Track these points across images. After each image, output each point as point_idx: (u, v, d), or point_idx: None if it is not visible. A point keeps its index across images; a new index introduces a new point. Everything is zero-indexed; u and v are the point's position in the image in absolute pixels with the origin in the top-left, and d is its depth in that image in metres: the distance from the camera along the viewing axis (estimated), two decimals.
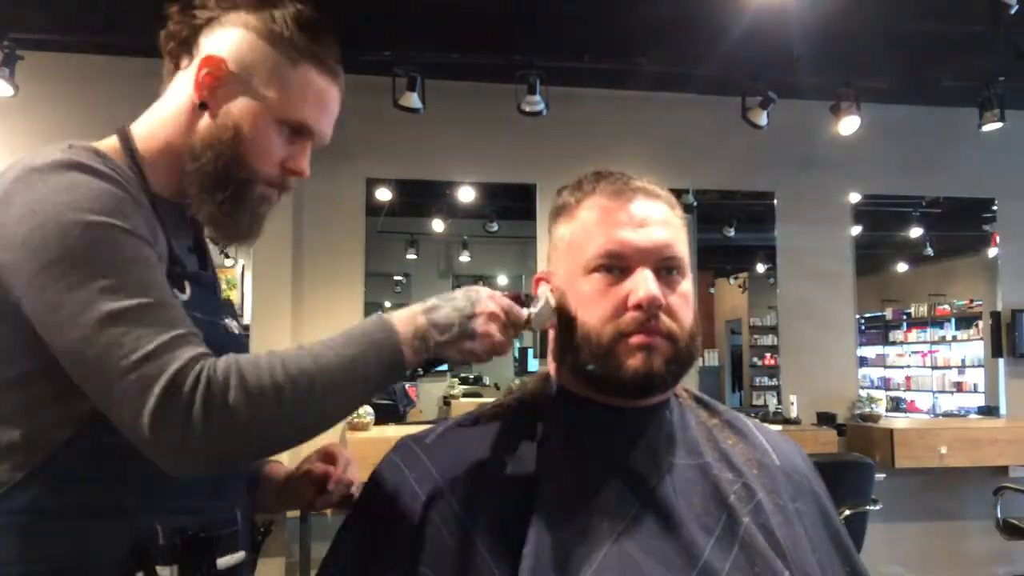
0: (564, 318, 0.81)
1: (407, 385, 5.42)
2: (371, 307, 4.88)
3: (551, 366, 0.86)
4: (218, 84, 0.84)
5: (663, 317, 0.77)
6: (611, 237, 0.78)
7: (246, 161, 0.85)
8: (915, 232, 5.23)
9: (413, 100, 3.70)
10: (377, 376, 0.74)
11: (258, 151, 0.85)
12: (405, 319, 0.77)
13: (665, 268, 0.78)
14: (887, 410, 5.23)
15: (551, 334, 0.85)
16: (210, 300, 0.94)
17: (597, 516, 0.72)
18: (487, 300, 0.76)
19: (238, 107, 0.84)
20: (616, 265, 0.78)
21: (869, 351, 6.13)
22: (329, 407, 0.74)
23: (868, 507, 3.24)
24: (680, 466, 0.78)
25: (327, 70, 0.92)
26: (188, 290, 0.88)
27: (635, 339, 0.76)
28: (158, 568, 0.73)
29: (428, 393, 5.41)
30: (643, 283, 0.76)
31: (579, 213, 0.82)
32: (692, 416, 0.85)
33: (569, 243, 0.81)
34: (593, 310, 0.77)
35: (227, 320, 0.97)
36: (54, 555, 0.71)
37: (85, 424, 0.72)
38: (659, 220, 0.79)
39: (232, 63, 0.83)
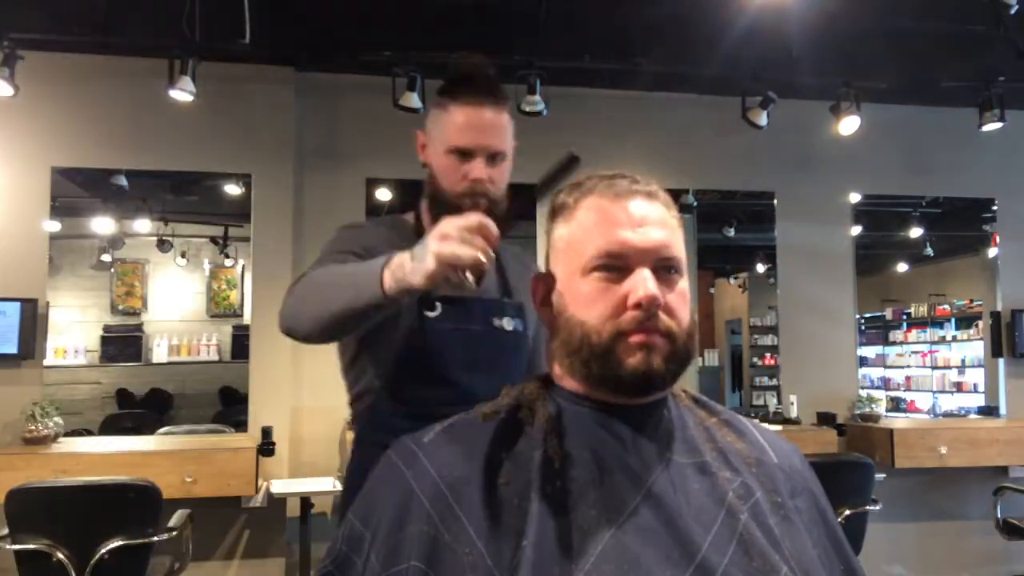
0: (562, 317, 0.81)
1: None
2: None
3: (552, 366, 0.87)
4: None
5: (662, 316, 0.77)
6: (610, 237, 0.78)
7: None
8: (915, 232, 5.23)
9: (413, 100, 3.70)
10: (359, 287, 1.05)
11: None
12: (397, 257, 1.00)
13: (663, 267, 0.79)
14: (887, 410, 5.24)
15: (551, 334, 0.85)
16: (466, 311, 1.32)
17: (596, 510, 0.73)
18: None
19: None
20: (615, 265, 0.78)
21: (869, 351, 6.13)
22: (320, 301, 1.16)
23: (868, 507, 3.24)
24: (678, 463, 0.79)
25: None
26: (438, 308, 1.30)
27: (635, 338, 0.77)
28: None
29: None
30: (642, 283, 0.76)
31: (577, 214, 0.82)
32: (690, 416, 0.85)
33: (568, 243, 0.82)
34: (592, 310, 0.78)
35: (497, 320, 1.35)
36: None
37: None
38: (657, 220, 0.80)
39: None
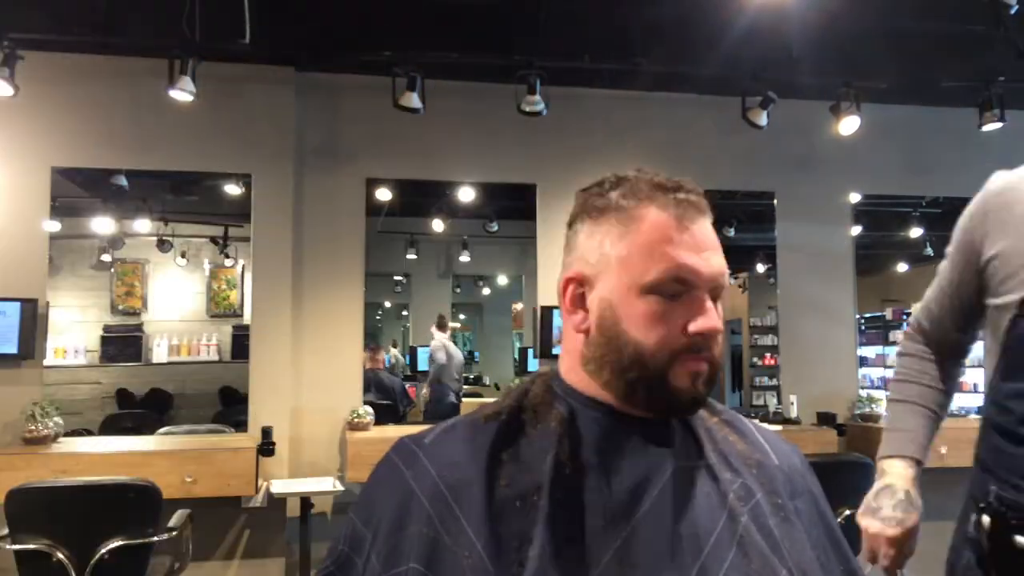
0: (610, 331, 0.79)
1: (407, 385, 5.43)
2: (371, 307, 4.88)
3: (569, 370, 0.84)
4: None
5: (712, 344, 0.78)
6: (678, 262, 0.77)
7: None
8: (915, 232, 5.23)
9: (413, 100, 3.70)
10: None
11: None
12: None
13: (715, 295, 0.79)
14: (887, 410, 5.23)
15: (580, 339, 0.82)
16: None
17: (602, 518, 0.73)
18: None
19: None
20: (677, 290, 0.77)
21: (869, 351, 6.12)
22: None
23: None
24: (683, 467, 0.79)
25: None
26: None
27: (689, 365, 0.77)
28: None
29: None
30: (708, 313, 0.77)
31: (637, 225, 0.79)
32: (693, 417, 0.85)
33: (627, 256, 0.79)
34: (649, 331, 0.77)
35: None
36: None
37: None
38: (715, 244, 0.80)
39: None
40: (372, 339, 5.30)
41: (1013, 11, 3.03)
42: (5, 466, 3.26)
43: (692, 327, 0.76)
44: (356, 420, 3.99)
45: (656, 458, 0.78)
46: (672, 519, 0.74)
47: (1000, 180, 1.31)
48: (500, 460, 0.77)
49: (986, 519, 1.20)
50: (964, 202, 1.42)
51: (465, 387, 5.78)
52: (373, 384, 4.80)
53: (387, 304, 6.41)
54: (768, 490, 0.80)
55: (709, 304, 0.77)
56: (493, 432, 0.80)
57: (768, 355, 5.13)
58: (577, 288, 0.82)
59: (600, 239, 0.81)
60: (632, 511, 0.74)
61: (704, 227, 0.80)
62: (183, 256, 5.35)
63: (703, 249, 0.78)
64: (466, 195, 4.61)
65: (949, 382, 1.47)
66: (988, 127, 4.03)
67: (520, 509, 0.73)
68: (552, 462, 0.76)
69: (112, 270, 5.26)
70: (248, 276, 4.15)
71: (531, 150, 4.33)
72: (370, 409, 4.08)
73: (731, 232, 5.17)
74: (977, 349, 1.46)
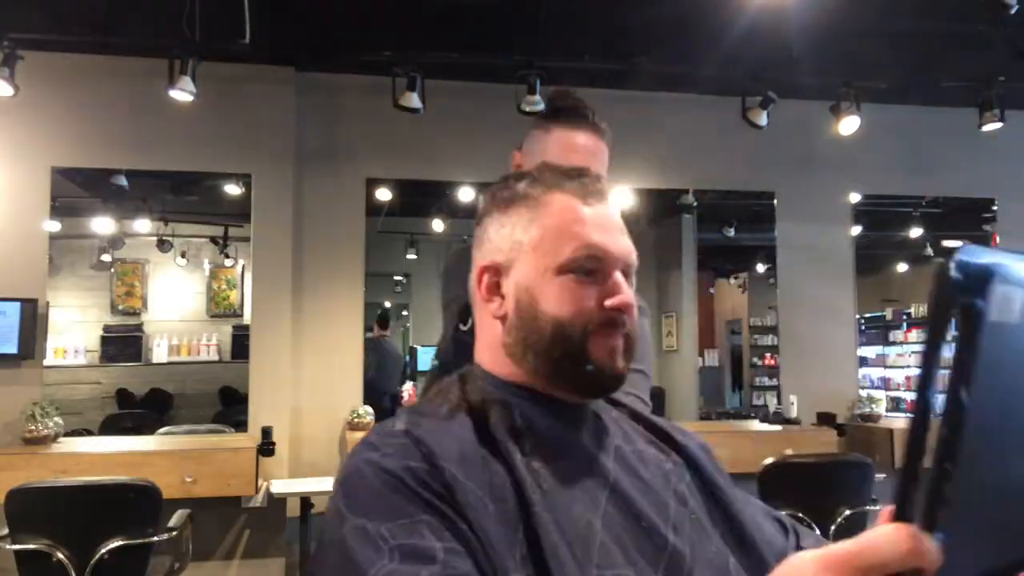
0: (528, 314, 0.82)
1: (407, 386, 5.43)
2: (371, 307, 4.88)
3: (493, 363, 0.85)
4: None
5: (626, 319, 0.82)
6: (588, 241, 0.81)
7: None
8: (915, 232, 5.23)
9: (413, 100, 3.70)
10: None
11: None
12: None
13: (626, 273, 0.83)
14: (887, 410, 5.23)
15: (498, 327, 0.83)
16: None
17: (579, 505, 0.74)
18: None
19: None
20: (590, 268, 0.81)
21: (869, 351, 6.13)
22: None
23: (868, 507, 3.24)
24: (624, 450, 0.83)
25: None
26: (470, 322, 1.06)
27: (605, 339, 0.80)
28: None
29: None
30: (620, 287, 0.81)
31: (548, 209, 0.83)
32: (602, 406, 0.89)
33: (539, 240, 0.82)
34: (567, 307, 0.80)
35: None
36: None
37: None
38: (622, 227, 0.85)
39: None
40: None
41: (1013, 11, 3.03)
42: (5, 466, 3.26)
43: (609, 302, 0.80)
44: (356, 420, 3.99)
45: (597, 441, 0.82)
46: (630, 501, 0.77)
47: None
48: (476, 451, 0.77)
49: None
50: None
51: None
52: (379, 349, 4.72)
53: (387, 304, 6.42)
54: (695, 467, 0.85)
55: (621, 280, 0.81)
56: (471, 425, 0.79)
57: (768, 355, 5.13)
58: (492, 276, 0.85)
59: (511, 228, 0.84)
60: (598, 500, 0.75)
61: (609, 210, 0.84)
62: (183, 256, 5.35)
63: (610, 229, 0.82)
64: (466, 195, 4.61)
65: None
66: (988, 127, 4.04)
67: (505, 496, 0.74)
68: (512, 453, 0.75)
69: (112, 270, 5.27)
70: (248, 276, 4.16)
71: None
72: (370, 409, 4.08)
73: (731, 232, 5.17)
74: None
